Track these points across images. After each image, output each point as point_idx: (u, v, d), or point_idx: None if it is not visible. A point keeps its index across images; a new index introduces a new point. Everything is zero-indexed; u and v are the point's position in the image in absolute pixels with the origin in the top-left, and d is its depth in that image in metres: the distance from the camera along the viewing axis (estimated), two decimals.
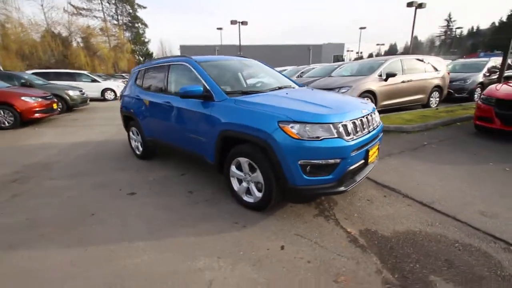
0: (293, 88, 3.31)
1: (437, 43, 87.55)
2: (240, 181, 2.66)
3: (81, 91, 10.12)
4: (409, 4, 18.81)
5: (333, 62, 33.78)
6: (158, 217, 2.57)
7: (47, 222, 2.56)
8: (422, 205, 2.59)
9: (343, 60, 36.16)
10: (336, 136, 2.14)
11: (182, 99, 3.09)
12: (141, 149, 4.22)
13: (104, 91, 13.78)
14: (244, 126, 2.37)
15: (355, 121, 2.31)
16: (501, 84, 4.94)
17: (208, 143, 2.78)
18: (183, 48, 39.50)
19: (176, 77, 3.38)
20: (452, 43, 72.05)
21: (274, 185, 2.30)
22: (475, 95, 9.08)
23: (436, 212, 2.47)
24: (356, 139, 2.25)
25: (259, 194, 2.45)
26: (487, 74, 9.35)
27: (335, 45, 39.42)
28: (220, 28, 30.80)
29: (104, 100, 13.93)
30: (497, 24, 75.13)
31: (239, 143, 2.54)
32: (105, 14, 34.12)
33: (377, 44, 51.94)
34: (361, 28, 32.45)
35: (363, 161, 2.39)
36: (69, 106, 9.45)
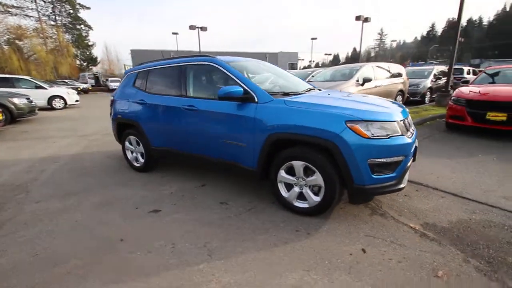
0: (320, 90, 3.31)
1: (372, 54, 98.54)
2: (288, 186, 2.52)
3: (29, 99, 8.62)
4: (357, 18, 20.86)
5: (289, 69, 35.36)
6: (205, 234, 2.27)
7: (66, 256, 2.05)
8: (454, 196, 2.80)
9: (296, 68, 38.14)
10: (400, 133, 2.18)
11: (211, 102, 2.84)
12: (142, 160, 3.73)
13: (51, 99, 11.98)
14: (302, 128, 2.25)
15: (405, 119, 2.41)
16: (466, 86, 5.74)
17: (250, 148, 2.59)
18: (134, 52, 36.92)
19: (199, 79, 3.09)
20: (385, 54, 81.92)
21: (337, 187, 2.23)
22: (426, 98, 10.40)
23: (470, 200, 2.69)
24: (411, 136, 2.34)
25: (316, 198, 2.35)
26: (434, 80, 10.83)
27: (289, 54, 41.40)
28: (176, 33, 29.72)
29: (52, 109, 12.09)
30: (419, 38, 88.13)
31: (290, 146, 2.42)
32: (40, 14, 30.01)
33: (325, 54, 56.25)
34: (312, 38, 34.81)
35: (413, 157, 2.48)
36: (13, 117, 7.95)
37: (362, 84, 7.16)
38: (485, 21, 76.18)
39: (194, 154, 3.13)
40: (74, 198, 3.06)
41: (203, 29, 23.24)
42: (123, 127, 3.88)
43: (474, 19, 77.89)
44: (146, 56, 36.18)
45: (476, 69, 16.73)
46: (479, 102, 4.94)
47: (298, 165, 2.36)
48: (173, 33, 29.65)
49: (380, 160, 2.12)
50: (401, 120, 2.23)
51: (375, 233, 2.20)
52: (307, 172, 2.36)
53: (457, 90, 5.69)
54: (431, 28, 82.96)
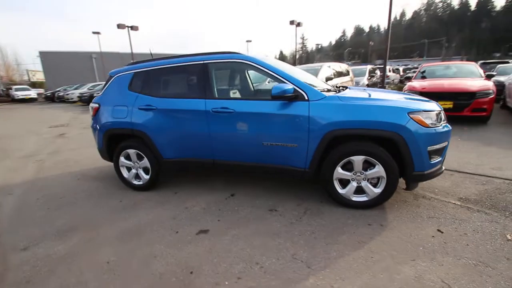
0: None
1: (297, 56, 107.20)
2: (343, 182, 2.53)
3: None
4: (291, 22, 22.33)
5: None
6: (283, 246, 2.08)
7: None
8: (458, 172, 3.28)
9: None
10: (445, 121, 2.44)
11: (249, 103, 2.63)
12: (146, 176, 3.17)
13: None
14: (366, 122, 2.29)
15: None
16: (413, 81, 6.79)
17: (302, 148, 2.48)
18: (44, 55, 30.80)
19: (228, 78, 2.79)
20: (308, 57, 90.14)
21: (398, 176, 2.35)
22: None
23: (472, 174, 3.20)
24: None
25: (377, 190, 2.42)
26: (369, 77, 12.46)
27: None
28: (97, 33, 26.10)
29: None
30: (333, 42, 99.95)
31: (344, 143, 2.42)
32: None
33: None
34: (247, 41, 35.62)
35: None
36: None
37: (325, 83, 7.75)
38: (381, 28, 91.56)
39: (225, 162, 2.83)
40: (77, 235, 2.39)
41: (134, 28, 21.09)
42: (116, 139, 3.21)
43: (373, 26, 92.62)
44: (61, 59, 30.82)
45: (392, 68, 19.98)
46: (429, 94, 5.90)
47: (359, 159, 2.38)
48: (94, 33, 25.98)
49: (436, 146, 2.33)
50: (441, 111, 2.49)
51: (434, 214, 2.40)
52: (364, 166, 2.41)
53: (408, 84, 6.69)
54: (342, 34, 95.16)
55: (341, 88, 3.07)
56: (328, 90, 2.68)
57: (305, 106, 2.43)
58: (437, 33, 65.87)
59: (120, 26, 20.37)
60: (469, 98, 5.53)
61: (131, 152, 3.13)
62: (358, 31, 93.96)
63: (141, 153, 3.09)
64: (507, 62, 11.47)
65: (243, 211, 2.66)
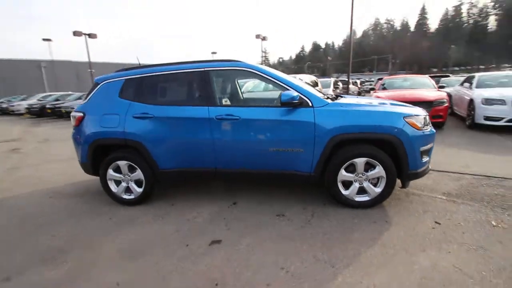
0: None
1: None
2: (346, 184, 2.65)
3: None
4: (257, 36, 23.09)
5: None
6: (301, 250, 2.10)
7: None
8: (437, 171, 3.64)
9: None
10: (430, 125, 2.73)
11: (254, 110, 2.66)
12: (138, 190, 2.95)
13: None
14: (367, 127, 2.46)
15: None
16: (377, 92, 7.45)
17: (308, 153, 2.56)
18: None
19: (231, 85, 2.78)
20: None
21: (396, 176, 2.55)
22: None
23: (448, 172, 3.59)
24: None
25: (378, 190, 2.59)
26: (333, 89, 13.34)
27: None
28: (48, 39, 23.96)
29: None
30: (294, 56, 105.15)
31: (346, 146, 2.56)
32: None
33: None
34: (213, 52, 35.75)
35: None
36: None
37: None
38: (336, 45, 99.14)
39: (228, 170, 2.78)
40: (72, 258, 2.13)
41: (92, 36, 19.80)
42: (104, 150, 2.96)
43: (329, 43, 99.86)
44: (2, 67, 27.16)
45: (352, 81, 21.61)
46: None
47: (361, 161, 2.54)
48: (45, 40, 23.77)
49: (426, 147, 2.58)
50: (426, 115, 2.79)
51: (427, 208, 2.63)
52: (365, 167, 2.57)
53: (374, 95, 7.32)
54: (301, 49, 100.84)
55: (336, 96, 3.26)
56: (327, 98, 2.83)
57: (310, 112, 2.53)
58: (383, 50, 73.42)
59: (76, 33, 18.99)
60: (427, 106, 6.23)
61: (122, 164, 2.90)
62: (316, 47, 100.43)
63: (133, 165, 2.88)
64: (448, 76, 13.27)
65: (250, 219, 2.62)
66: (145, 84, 2.88)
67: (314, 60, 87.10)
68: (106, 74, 3.11)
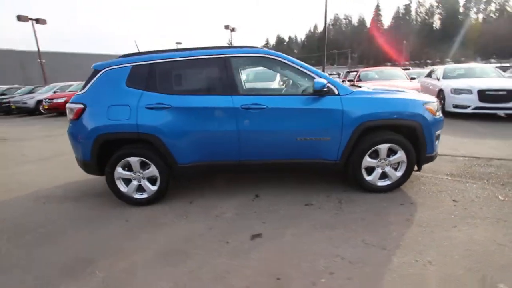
0: None
1: None
2: (369, 170, 2.73)
3: None
4: (226, 27, 22.54)
5: None
6: (349, 236, 2.12)
7: None
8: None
9: None
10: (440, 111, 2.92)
11: (281, 98, 2.62)
12: (152, 188, 2.71)
13: None
14: (392, 113, 2.55)
15: None
16: (361, 83, 7.79)
17: (335, 140, 2.58)
18: None
19: (255, 73, 2.65)
20: None
21: (415, 160, 2.70)
22: None
23: (442, 155, 3.90)
24: None
25: (398, 174, 2.72)
26: None
27: None
28: None
29: None
30: None
31: (371, 132, 2.63)
32: None
33: None
34: (177, 43, 34.02)
35: None
36: None
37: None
38: (299, 39, 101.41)
39: (253, 161, 2.69)
40: (101, 269, 1.88)
41: (40, 21, 17.46)
42: (110, 146, 2.65)
43: (292, 36, 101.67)
44: None
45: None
46: None
47: (385, 147, 2.63)
48: None
49: (438, 132, 2.77)
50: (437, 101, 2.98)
51: (440, 188, 2.84)
52: (388, 153, 2.68)
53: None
54: (266, 42, 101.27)
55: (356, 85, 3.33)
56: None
57: (337, 100, 2.54)
58: (343, 45, 77.14)
59: (21, 18, 16.59)
60: None
61: (133, 160, 2.63)
62: (280, 40, 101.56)
63: (146, 161, 2.63)
64: (409, 69, 14.45)
65: (281, 210, 2.57)
66: (158, 72, 2.62)
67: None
68: (105, 61, 2.76)
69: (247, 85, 2.66)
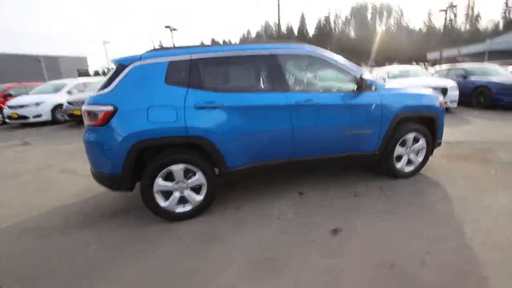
0: None
1: None
2: (397, 158, 3.02)
3: None
4: (167, 27, 21.27)
5: (79, 77, 29.60)
6: (418, 219, 2.30)
7: None
8: None
9: (89, 75, 32.01)
10: None
11: (328, 95, 2.64)
12: (197, 198, 2.41)
13: None
14: (420, 106, 2.89)
15: None
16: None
17: (375, 133, 2.76)
18: None
19: (302, 70, 2.60)
20: None
21: (432, 146, 3.10)
22: None
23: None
24: None
25: (420, 159, 3.07)
26: None
27: (75, 59, 32.68)
28: None
29: None
30: None
31: (402, 124, 2.89)
32: None
33: None
34: (105, 42, 30.26)
35: None
36: None
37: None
38: (233, 43, 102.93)
39: (303, 158, 2.65)
40: None
41: None
42: (147, 154, 2.23)
43: (226, 40, 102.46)
44: None
45: None
46: None
47: (411, 137, 2.94)
48: None
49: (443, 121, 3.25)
50: None
51: (444, 170, 3.32)
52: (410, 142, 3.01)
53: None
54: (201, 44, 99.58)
55: None
56: None
57: (376, 95, 2.73)
58: None
59: None
60: None
61: (177, 168, 2.28)
62: (214, 43, 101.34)
63: (192, 168, 2.32)
64: None
65: (334, 204, 2.61)
66: (204, 68, 2.34)
67: None
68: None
69: (294, 81, 2.60)
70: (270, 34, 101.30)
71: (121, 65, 2.27)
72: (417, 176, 3.13)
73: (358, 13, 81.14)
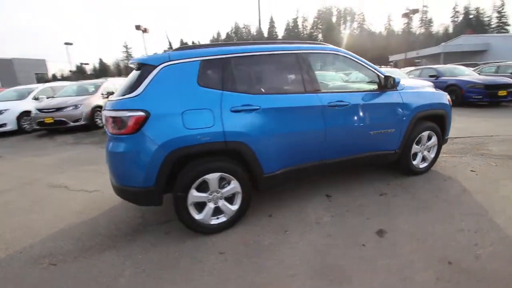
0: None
1: (122, 66, 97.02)
2: (413, 155, 3.12)
3: None
4: (137, 27, 20.24)
5: (37, 81, 27.49)
6: (452, 213, 2.38)
7: None
8: None
9: (47, 79, 29.49)
10: None
11: (356, 94, 2.64)
12: (232, 208, 2.26)
13: None
14: (434, 104, 3.02)
15: None
16: None
17: (397, 132, 2.83)
18: None
19: (327, 70, 2.56)
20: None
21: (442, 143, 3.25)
22: None
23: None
24: None
25: (432, 155, 3.21)
26: None
27: (33, 61, 29.46)
28: None
29: None
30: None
31: (419, 122, 2.99)
32: None
33: (82, 64, 48.13)
34: (66, 43, 27.87)
35: None
36: None
37: (107, 97, 7.95)
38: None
39: (333, 160, 2.62)
40: None
41: None
42: (181, 161, 2.04)
43: (195, 42, 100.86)
44: None
45: None
46: None
47: (425, 134, 3.07)
48: None
49: None
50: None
51: (451, 164, 3.50)
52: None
53: None
54: (169, 47, 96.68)
55: None
56: None
57: (398, 94, 2.80)
58: None
59: None
60: None
61: (213, 177, 2.11)
62: (183, 45, 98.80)
63: (228, 176, 2.17)
64: None
65: (366, 204, 2.61)
66: (237, 67, 2.21)
67: None
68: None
69: (324, 82, 2.57)
70: (241, 36, 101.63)
71: (147, 65, 2.05)
72: (429, 172, 3.27)
73: (324, 16, 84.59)
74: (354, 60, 2.71)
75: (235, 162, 2.20)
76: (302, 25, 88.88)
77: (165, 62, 2.06)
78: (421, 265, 1.78)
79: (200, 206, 2.19)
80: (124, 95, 2.02)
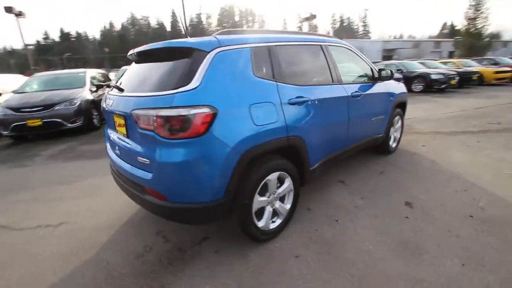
0: None
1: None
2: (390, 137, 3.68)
3: None
4: (7, 10, 15.30)
5: None
6: (447, 183, 2.94)
7: None
8: None
9: None
10: None
11: (363, 85, 2.85)
12: (287, 207, 2.12)
13: None
14: (402, 93, 3.62)
15: None
16: None
17: (385, 118, 3.27)
18: None
19: (341, 62, 2.65)
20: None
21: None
22: None
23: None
24: None
25: (397, 135, 3.87)
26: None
27: None
28: None
29: None
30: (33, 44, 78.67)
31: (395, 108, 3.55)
32: None
33: None
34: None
35: None
36: None
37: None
38: (90, 36, 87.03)
39: (349, 147, 2.79)
40: None
41: None
42: (250, 161, 1.75)
43: (80, 32, 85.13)
44: None
45: None
46: None
47: (397, 119, 3.68)
48: None
49: None
50: None
51: (424, 139, 4.31)
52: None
53: None
54: (45, 36, 78.42)
55: None
56: None
57: (384, 85, 3.20)
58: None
59: None
60: None
61: (273, 178, 1.92)
62: (65, 34, 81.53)
63: (285, 174, 2.01)
64: None
65: (379, 184, 2.91)
66: (282, 58, 2.02)
67: (67, 51, 70.64)
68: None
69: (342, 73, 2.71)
70: (140, 28, 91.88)
71: (195, 50, 1.63)
72: (398, 150, 3.93)
73: (228, 15, 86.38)
74: (356, 54, 2.96)
75: (289, 158, 2.06)
76: (206, 21, 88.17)
77: (216, 48, 1.70)
78: (457, 223, 2.16)
79: (258, 212, 1.95)
80: (166, 89, 1.56)
